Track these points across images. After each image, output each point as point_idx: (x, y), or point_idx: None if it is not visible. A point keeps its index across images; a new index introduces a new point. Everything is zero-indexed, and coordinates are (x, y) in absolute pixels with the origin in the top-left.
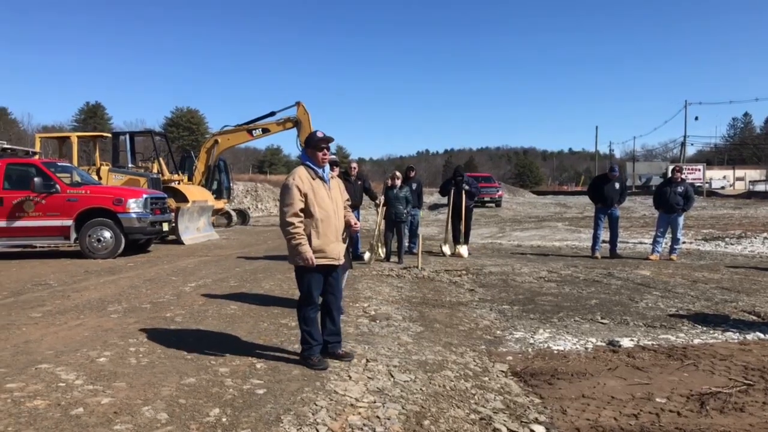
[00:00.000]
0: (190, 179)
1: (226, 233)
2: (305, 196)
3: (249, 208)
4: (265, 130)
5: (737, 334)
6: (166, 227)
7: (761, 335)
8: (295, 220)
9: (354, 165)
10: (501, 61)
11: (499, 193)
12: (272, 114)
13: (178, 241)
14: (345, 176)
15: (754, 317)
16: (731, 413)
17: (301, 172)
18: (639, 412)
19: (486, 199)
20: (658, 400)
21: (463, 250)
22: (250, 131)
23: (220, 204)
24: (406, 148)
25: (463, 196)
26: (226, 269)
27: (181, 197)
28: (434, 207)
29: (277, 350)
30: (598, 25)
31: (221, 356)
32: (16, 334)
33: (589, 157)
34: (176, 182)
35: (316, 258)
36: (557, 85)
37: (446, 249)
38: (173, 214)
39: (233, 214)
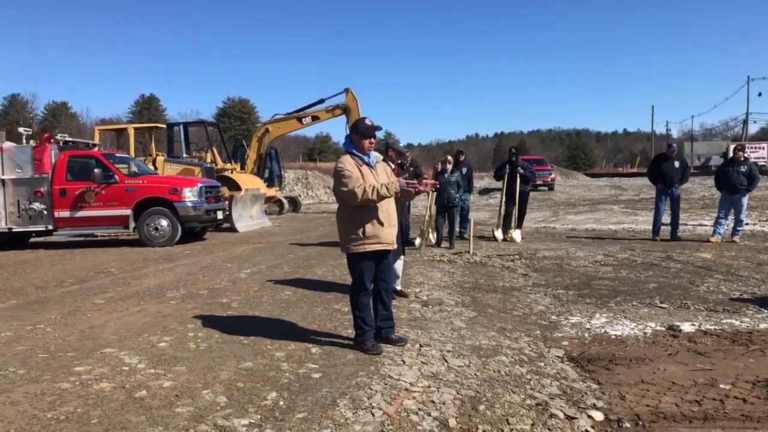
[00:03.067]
0: (242, 168)
1: (278, 220)
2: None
3: (300, 195)
4: (315, 118)
5: None
6: (220, 215)
7: None
8: (357, 185)
9: (407, 153)
10: (552, 41)
11: (552, 176)
12: (321, 101)
13: (232, 229)
14: (399, 165)
15: None
16: None
17: (348, 159)
18: (702, 399)
19: (538, 182)
20: (722, 386)
21: (515, 234)
22: (299, 119)
23: (272, 192)
24: (455, 133)
25: (518, 180)
26: (279, 256)
27: (234, 186)
28: (485, 191)
29: (331, 335)
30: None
31: (277, 341)
32: (81, 320)
33: (644, 137)
34: (229, 171)
35: (370, 244)
36: (611, 64)
37: (499, 234)
38: (227, 202)
39: (285, 201)
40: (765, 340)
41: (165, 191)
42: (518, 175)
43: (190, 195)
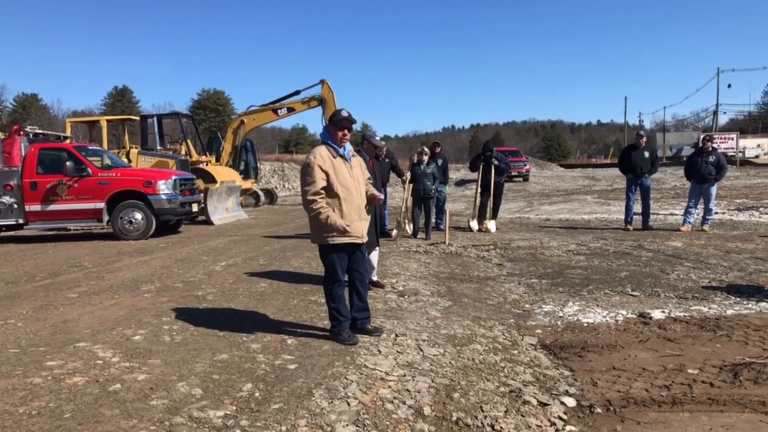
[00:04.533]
0: (217, 160)
1: (254, 213)
2: (327, 174)
3: (276, 187)
4: (291, 109)
5: None
6: (195, 208)
7: None
8: (317, 197)
9: (382, 143)
10: (526, 33)
11: (527, 167)
12: (297, 93)
13: (208, 222)
14: (375, 156)
15: None
16: (765, 383)
17: (321, 150)
18: (671, 384)
19: (513, 173)
20: (690, 371)
21: (490, 225)
22: (275, 111)
23: (248, 184)
24: (432, 124)
25: (493, 171)
26: (255, 248)
27: (210, 178)
28: (461, 183)
29: (308, 327)
30: None
31: (252, 333)
32: (54, 314)
33: (618, 128)
34: (204, 163)
35: (339, 236)
36: (584, 56)
37: (474, 224)
38: (202, 194)
39: (261, 193)
40: (732, 325)
41: (139, 184)
42: (493, 166)
43: (164, 188)
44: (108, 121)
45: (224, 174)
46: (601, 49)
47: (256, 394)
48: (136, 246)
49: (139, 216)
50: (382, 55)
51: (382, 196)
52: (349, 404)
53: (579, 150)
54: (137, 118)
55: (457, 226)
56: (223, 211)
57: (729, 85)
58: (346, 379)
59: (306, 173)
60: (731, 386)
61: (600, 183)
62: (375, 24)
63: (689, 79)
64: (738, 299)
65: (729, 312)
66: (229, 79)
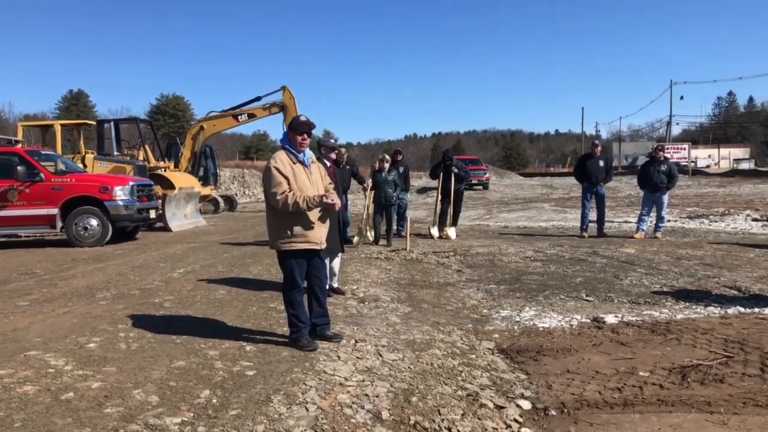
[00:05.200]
0: (176, 166)
1: (213, 219)
2: (287, 179)
3: (236, 194)
4: (251, 116)
5: (719, 308)
6: (153, 214)
7: (741, 309)
8: (286, 191)
9: (342, 151)
10: (487, 43)
11: (487, 175)
12: (258, 99)
13: (166, 228)
14: (335, 162)
15: (735, 292)
16: (711, 384)
17: (281, 155)
18: (623, 386)
19: (474, 181)
20: (641, 373)
21: (451, 232)
22: (235, 117)
23: (207, 190)
24: (394, 132)
25: (452, 179)
26: (214, 255)
27: (168, 184)
28: (423, 190)
29: (267, 333)
30: (581, 6)
31: (210, 340)
32: (3, 323)
33: (575, 138)
34: (162, 169)
35: (298, 242)
36: (543, 67)
37: (434, 231)
38: (160, 201)
39: (220, 200)
40: (681, 329)
41: (95, 190)
42: (453, 174)
43: (121, 194)
44: (63, 125)
45: (183, 180)
46: (559, 59)
47: (214, 401)
48: (91, 253)
49: (94, 222)
50: (345, 62)
51: (339, 203)
52: (307, 409)
53: (538, 159)
54: (93, 122)
55: (418, 233)
56: (182, 217)
57: (681, 97)
58: (305, 384)
59: (268, 177)
60: (679, 387)
61: (557, 191)
62: (337, 31)
63: (644, 91)
64: (687, 304)
65: (679, 316)
66: (188, 84)
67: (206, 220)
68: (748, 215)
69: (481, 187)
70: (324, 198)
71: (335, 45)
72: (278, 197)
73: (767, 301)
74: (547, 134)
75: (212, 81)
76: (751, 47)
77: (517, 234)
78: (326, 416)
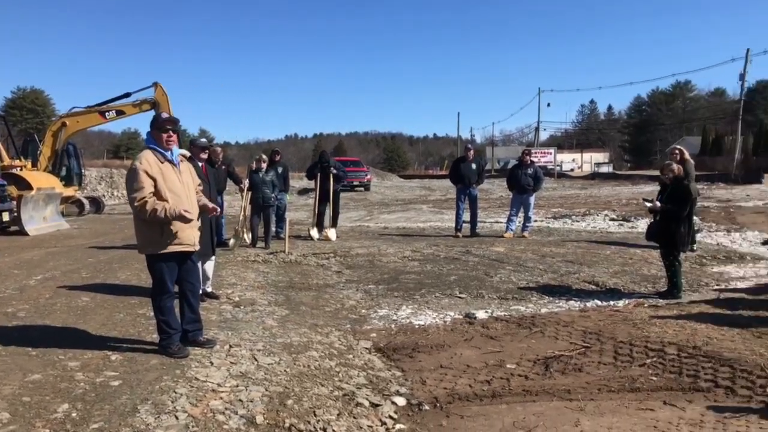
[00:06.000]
0: (34, 165)
1: (77, 222)
2: (154, 180)
3: (104, 195)
4: (120, 112)
5: (579, 302)
6: (6, 217)
7: (599, 302)
8: (147, 198)
9: (218, 150)
10: (369, 47)
11: (368, 177)
12: (127, 95)
13: (22, 232)
14: (210, 162)
15: (593, 286)
16: (571, 373)
17: (147, 155)
18: (491, 379)
19: (355, 183)
20: (508, 366)
21: (331, 233)
22: (102, 113)
23: (70, 191)
24: (274, 132)
25: (331, 179)
26: (77, 260)
27: (24, 184)
28: (303, 191)
29: (135, 341)
30: (456, 17)
31: (71, 350)
32: None
33: (452, 142)
34: (18, 168)
35: (169, 245)
36: (422, 72)
37: (314, 233)
38: (14, 202)
39: (85, 202)
40: (545, 322)
41: None
42: (331, 175)
43: None
44: None
45: (42, 180)
46: (437, 66)
47: (74, 415)
48: None
49: None
50: (223, 59)
51: (218, 210)
52: (177, 418)
53: (417, 161)
54: None
55: (298, 234)
56: (40, 220)
57: (548, 104)
58: (175, 392)
59: (132, 179)
60: (543, 378)
61: (435, 193)
62: (215, 27)
63: (515, 98)
64: (551, 299)
65: (543, 310)
66: (49, 77)
67: (69, 223)
68: (606, 215)
69: (362, 189)
70: (186, 212)
71: (214, 40)
72: (137, 203)
73: (621, 295)
74: (426, 138)
75: (77, 74)
76: (610, 60)
77: (396, 235)
78: (197, 424)
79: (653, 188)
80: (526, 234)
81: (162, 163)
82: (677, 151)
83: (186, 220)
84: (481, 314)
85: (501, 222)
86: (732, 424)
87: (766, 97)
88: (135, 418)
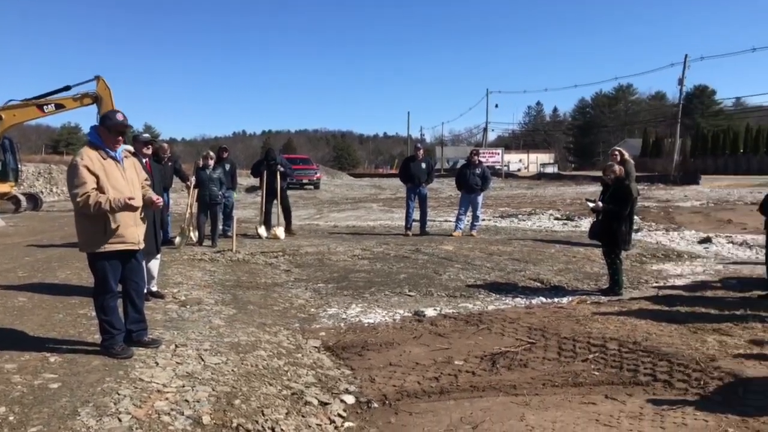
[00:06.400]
0: None
1: (14, 220)
2: (96, 177)
3: (42, 191)
4: (60, 106)
5: (524, 299)
6: None
7: (543, 299)
8: (87, 194)
9: (165, 146)
10: (318, 43)
11: (318, 175)
12: (68, 88)
13: None
14: (156, 158)
15: (539, 284)
16: (517, 369)
17: (89, 151)
18: (440, 375)
19: (304, 181)
20: (456, 362)
21: (279, 231)
22: (40, 107)
23: (6, 187)
24: (222, 129)
25: (278, 177)
26: (13, 259)
27: None
28: (251, 189)
29: (75, 342)
30: (406, 17)
31: (7, 352)
32: None
33: (402, 141)
34: None
35: (112, 243)
36: (372, 70)
37: (262, 231)
38: None
39: (22, 198)
40: (492, 319)
41: None
42: (278, 172)
43: None
44: None
45: None
46: (387, 65)
47: (11, 418)
48: None
49: None
50: (170, 53)
51: (161, 201)
52: (120, 420)
53: (367, 160)
54: None
55: (246, 233)
56: None
57: (496, 105)
58: (118, 394)
59: (73, 175)
60: (489, 374)
61: (385, 192)
62: (161, 21)
63: (464, 98)
64: (498, 296)
65: (490, 308)
66: None
67: (5, 221)
68: (551, 215)
69: (312, 187)
70: (131, 200)
71: (159, 34)
72: (79, 198)
73: (565, 292)
74: (377, 136)
75: (13, 66)
76: (555, 63)
77: (346, 233)
78: (141, 426)
79: (596, 188)
80: (474, 233)
81: (104, 159)
82: (617, 153)
83: (133, 209)
84: (430, 312)
85: (450, 221)
86: (669, 416)
87: (704, 101)
88: (75, 421)
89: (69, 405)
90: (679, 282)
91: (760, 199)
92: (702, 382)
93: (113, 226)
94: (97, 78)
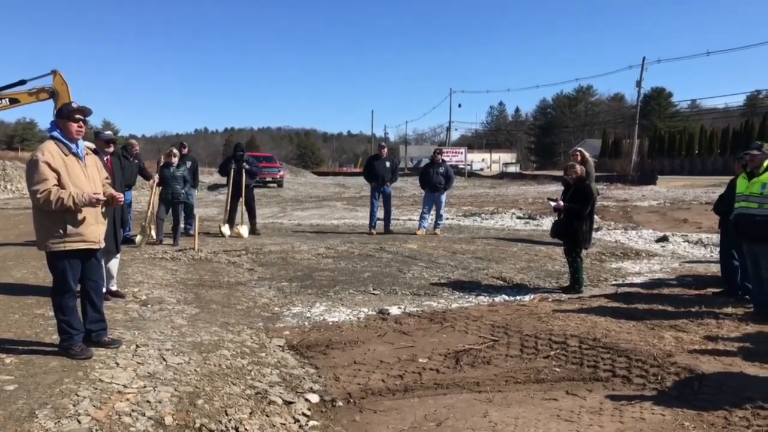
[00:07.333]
0: None
1: None
2: (57, 173)
3: None
4: (14, 101)
5: (487, 297)
6: None
7: (506, 297)
8: (48, 191)
9: (135, 143)
10: (283, 39)
11: (281, 173)
12: (23, 82)
13: None
14: (124, 155)
15: (501, 282)
16: (480, 366)
17: (50, 147)
18: (404, 373)
19: (268, 179)
20: (420, 360)
21: (242, 229)
22: None
23: None
24: (183, 126)
25: (244, 175)
26: None
27: None
28: (213, 187)
29: (32, 343)
30: (366, 14)
31: None
32: None
33: (366, 139)
34: None
35: (72, 242)
36: (335, 69)
37: (225, 229)
38: None
39: None
40: (455, 317)
41: None
42: (245, 170)
43: None
44: None
45: None
46: (349, 63)
47: None
48: None
49: None
50: (129, 49)
51: (122, 197)
52: (80, 422)
53: (331, 158)
54: None
55: (208, 231)
56: None
57: (459, 105)
58: (77, 395)
59: (33, 172)
60: (453, 371)
61: (349, 190)
62: (120, 14)
63: (428, 98)
64: (461, 294)
65: (454, 306)
66: None
67: None
68: (513, 213)
69: (275, 185)
70: (96, 195)
71: (119, 28)
72: (40, 194)
73: (527, 290)
74: (341, 134)
75: None
76: (518, 63)
77: (310, 232)
78: (102, 427)
79: (557, 188)
80: (438, 231)
81: (66, 155)
82: (578, 153)
83: (96, 205)
84: (394, 310)
85: (414, 219)
86: (628, 411)
87: (661, 102)
88: (33, 424)
89: (26, 407)
90: (637, 280)
91: (715, 199)
92: (659, 378)
93: (74, 224)
94: (54, 72)
